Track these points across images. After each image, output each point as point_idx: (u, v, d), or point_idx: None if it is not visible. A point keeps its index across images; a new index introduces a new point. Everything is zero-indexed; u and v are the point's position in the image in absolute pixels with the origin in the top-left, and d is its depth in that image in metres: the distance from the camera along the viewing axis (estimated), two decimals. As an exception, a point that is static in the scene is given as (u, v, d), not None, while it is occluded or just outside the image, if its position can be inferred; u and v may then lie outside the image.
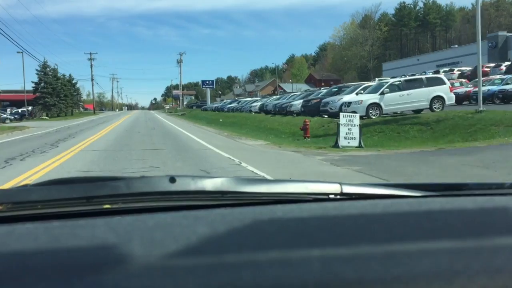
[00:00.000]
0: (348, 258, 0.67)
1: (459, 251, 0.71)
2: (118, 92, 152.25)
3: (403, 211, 0.86)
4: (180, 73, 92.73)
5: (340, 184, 1.00)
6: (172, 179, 0.90)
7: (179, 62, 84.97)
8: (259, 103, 37.30)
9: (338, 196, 0.98)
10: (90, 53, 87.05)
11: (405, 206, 0.89)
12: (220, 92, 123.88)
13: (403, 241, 0.73)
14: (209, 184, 0.92)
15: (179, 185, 0.90)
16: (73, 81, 71.96)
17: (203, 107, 61.44)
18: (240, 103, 46.22)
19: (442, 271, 0.66)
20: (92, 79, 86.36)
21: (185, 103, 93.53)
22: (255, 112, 35.05)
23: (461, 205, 0.91)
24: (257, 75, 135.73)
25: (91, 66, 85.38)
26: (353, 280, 0.64)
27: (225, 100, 67.10)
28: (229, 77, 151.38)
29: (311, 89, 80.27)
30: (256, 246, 0.70)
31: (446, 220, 0.82)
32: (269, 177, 6.96)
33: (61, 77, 65.57)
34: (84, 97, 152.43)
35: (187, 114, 53.24)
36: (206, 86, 74.44)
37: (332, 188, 0.99)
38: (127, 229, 0.76)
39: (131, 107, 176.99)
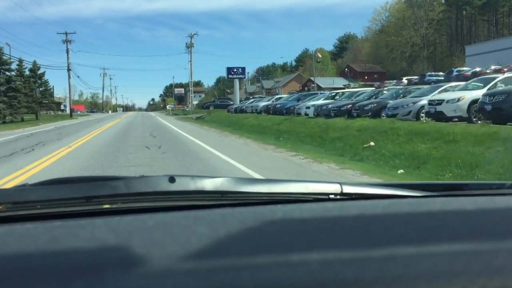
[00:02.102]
0: (348, 258, 0.67)
1: (459, 252, 0.71)
2: (111, 90, 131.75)
3: (403, 211, 0.86)
4: (191, 61, 59.20)
5: (340, 184, 1.00)
6: (172, 179, 0.90)
7: (189, 47, 58.66)
8: (345, 102, 20.65)
9: (338, 196, 0.98)
10: (66, 33, 59.74)
11: (405, 206, 0.89)
12: (228, 91, 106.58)
13: (403, 242, 0.73)
14: (209, 184, 0.92)
15: (178, 185, 0.90)
16: (39, 72, 50.10)
17: (231, 106, 41.20)
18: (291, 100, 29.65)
19: (442, 271, 0.66)
20: (68, 69, 59.73)
21: (194, 102, 75.01)
22: (309, 116, 21.79)
23: (461, 206, 0.91)
24: (263, 72, 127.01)
25: (67, 51, 59.46)
26: (353, 281, 0.63)
27: (265, 97, 44.31)
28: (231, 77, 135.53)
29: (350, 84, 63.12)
30: (256, 246, 0.70)
31: (446, 220, 0.82)
32: None
33: (8, 59, 40.64)
34: (77, 97, 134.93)
35: (208, 119, 32.85)
36: (234, 76, 50.02)
37: (332, 188, 0.99)
38: (127, 229, 0.76)
39: (127, 108, 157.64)
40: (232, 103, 51.11)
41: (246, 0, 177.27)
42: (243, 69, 52.47)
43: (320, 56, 69.72)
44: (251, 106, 35.04)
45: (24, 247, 0.69)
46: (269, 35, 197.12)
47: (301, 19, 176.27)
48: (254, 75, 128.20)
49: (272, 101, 32.87)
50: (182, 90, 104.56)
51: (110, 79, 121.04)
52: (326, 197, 0.98)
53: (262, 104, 32.93)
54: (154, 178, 0.92)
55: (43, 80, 52.31)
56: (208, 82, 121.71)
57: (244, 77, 53.24)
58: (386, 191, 1.02)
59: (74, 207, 0.88)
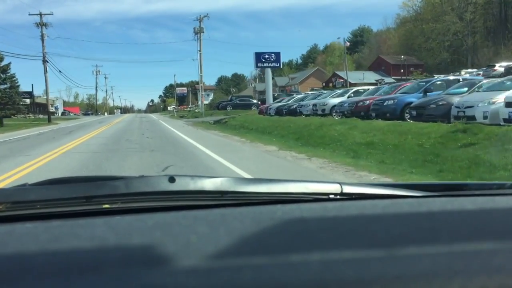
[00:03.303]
0: (348, 258, 0.67)
1: (459, 252, 0.71)
2: (106, 91, 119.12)
3: (403, 211, 0.87)
4: (200, 50, 46.18)
5: (340, 184, 1.00)
6: (172, 179, 0.90)
7: (197, 33, 45.49)
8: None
9: (338, 196, 0.98)
10: (40, 15, 43.77)
11: (405, 206, 0.89)
12: (234, 89, 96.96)
13: (403, 241, 0.72)
14: (209, 184, 0.92)
15: (178, 185, 0.90)
16: (2, 63, 36.19)
17: (267, 106, 29.49)
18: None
19: (442, 271, 0.66)
20: (44, 61, 43.25)
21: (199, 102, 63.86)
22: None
23: (461, 206, 0.91)
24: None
25: (42, 37, 43.46)
26: (353, 280, 0.63)
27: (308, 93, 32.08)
28: (235, 75, 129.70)
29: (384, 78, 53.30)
30: (256, 246, 0.70)
31: (446, 220, 0.83)
32: None
33: None
34: (72, 99, 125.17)
35: (236, 124, 23.07)
36: (265, 65, 36.02)
37: (332, 188, 0.99)
38: (127, 228, 0.76)
39: (125, 110, 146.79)
40: (255, 102, 41.33)
41: (245, 1, 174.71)
42: (277, 55, 36.67)
43: (348, 44, 59.96)
44: (312, 105, 21.86)
45: (24, 246, 0.69)
46: (268, 35, 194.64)
47: (300, 18, 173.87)
48: (259, 73, 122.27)
49: (324, 96, 23.20)
50: (184, 90, 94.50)
51: (105, 78, 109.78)
52: (326, 197, 0.98)
53: (336, 101, 20.01)
54: (154, 178, 0.92)
55: (8, 74, 38.74)
56: (209, 82, 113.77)
57: (279, 66, 37.97)
58: (386, 191, 1.03)
59: (74, 207, 0.88)
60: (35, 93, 67.34)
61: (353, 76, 59.22)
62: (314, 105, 22.01)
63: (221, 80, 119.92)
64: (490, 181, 1.00)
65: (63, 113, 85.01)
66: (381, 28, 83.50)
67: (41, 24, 43.95)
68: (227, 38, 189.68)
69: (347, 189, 0.99)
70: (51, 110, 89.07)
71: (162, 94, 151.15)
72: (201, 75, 48.39)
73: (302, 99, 26.26)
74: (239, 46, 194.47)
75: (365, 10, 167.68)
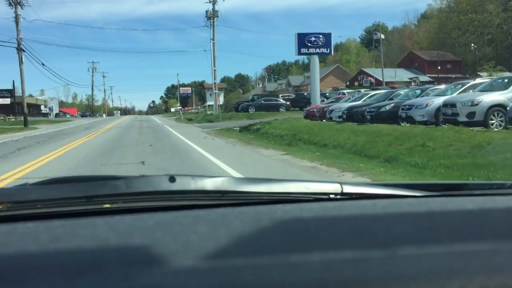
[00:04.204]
0: (348, 258, 0.67)
1: (459, 252, 0.71)
2: (105, 90, 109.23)
3: (403, 211, 0.87)
4: (213, 39, 37.44)
5: (341, 184, 1.00)
6: (172, 179, 0.90)
7: (210, 17, 36.97)
8: None
9: (339, 196, 0.98)
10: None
11: (405, 206, 0.89)
12: (240, 90, 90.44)
13: (403, 241, 0.72)
14: (209, 183, 0.92)
15: (179, 185, 0.90)
16: None
17: (321, 107, 21.33)
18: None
19: (441, 271, 0.66)
20: (19, 48, 32.67)
21: (209, 103, 54.77)
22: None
23: (461, 206, 0.91)
24: (273, 71, 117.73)
25: (16, 18, 33.75)
26: (353, 280, 0.63)
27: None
28: (239, 75, 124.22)
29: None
30: (256, 246, 0.70)
31: (446, 220, 0.82)
32: None
33: None
34: (70, 99, 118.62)
35: (274, 133, 15.83)
36: (310, 50, 26.95)
37: (332, 188, 0.99)
38: (128, 228, 0.76)
39: (126, 111, 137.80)
40: (283, 102, 34.04)
41: (246, 2, 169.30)
42: (327, 37, 27.36)
43: (383, 37, 52.52)
44: (447, 107, 12.46)
45: (25, 246, 0.69)
46: (270, 35, 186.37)
47: (301, 19, 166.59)
48: (263, 74, 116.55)
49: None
50: (188, 90, 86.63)
51: (104, 76, 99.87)
52: (326, 196, 0.98)
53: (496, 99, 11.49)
54: (154, 177, 0.92)
55: None
56: (211, 82, 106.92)
57: (329, 52, 27.52)
58: (386, 191, 1.02)
59: (75, 207, 0.89)
60: (28, 92, 60.32)
61: (381, 73, 52.31)
62: (451, 105, 12.42)
63: (223, 80, 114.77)
64: (490, 181, 0.94)
65: (56, 115, 77.94)
66: (404, 23, 77.37)
67: (15, 3, 34.11)
68: (229, 39, 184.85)
69: (347, 189, 0.99)
70: (44, 111, 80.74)
71: (164, 95, 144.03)
72: (214, 69, 37.19)
73: (392, 97, 17.65)
74: (241, 46, 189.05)
75: (367, 11, 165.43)
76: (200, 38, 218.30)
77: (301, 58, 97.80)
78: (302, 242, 0.71)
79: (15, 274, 0.61)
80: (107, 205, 0.89)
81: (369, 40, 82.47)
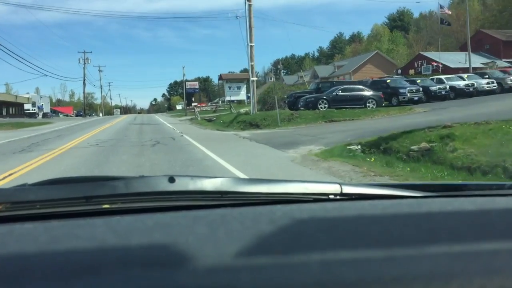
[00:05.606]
0: (348, 259, 0.67)
1: (458, 252, 0.71)
2: (101, 86, 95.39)
3: (402, 212, 0.87)
4: (250, 23, 23.23)
5: (340, 184, 1.00)
6: (171, 179, 0.90)
7: None
8: None
9: (338, 197, 0.98)
10: None
11: (404, 207, 0.89)
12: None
13: (403, 242, 0.72)
14: (209, 184, 0.92)
15: (178, 185, 0.90)
16: None
17: None
18: None
19: (441, 272, 0.66)
20: None
21: (230, 98, 43.40)
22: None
23: (460, 206, 0.91)
24: (282, 64, 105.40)
25: None
26: (353, 281, 0.63)
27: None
28: (245, 70, 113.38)
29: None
30: (255, 247, 0.70)
31: (445, 220, 0.83)
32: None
33: None
34: (67, 97, 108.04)
35: None
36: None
37: (332, 188, 0.99)
38: (127, 229, 0.76)
39: (126, 110, 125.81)
40: (370, 93, 21.18)
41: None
42: None
43: (450, 12, 41.69)
44: None
45: (23, 247, 0.69)
46: (272, 31, 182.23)
47: (302, 16, 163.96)
48: (271, 68, 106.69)
49: None
50: (195, 84, 74.51)
51: (100, 71, 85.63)
52: (326, 197, 0.98)
53: None
54: (154, 178, 0.92)
55: None
56: (215, 78, 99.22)
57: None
58: (385, 192, 1.03)
59: (74, 207, 0.88)
60: (24, 91, 50.56)
61: (448, 58, 41.66)
62: None
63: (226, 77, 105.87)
64: (490, 182, 0.92)
65: (44, 115, 67.27)
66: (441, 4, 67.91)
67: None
68: (229, 36, 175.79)
69: (347, 190, 0.99)
70: (31, 111, 68.63)
71: (166, 92, 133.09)
72: (251, 45, 23.30)
73: None
74: (239, 45, 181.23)
75: (366, 8, 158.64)
76: (202, 35, 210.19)
77: (311, 51, 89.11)
78: (301, 243, 0.70)
79: (13, 275, 0.61)
80: (106, 206, 0.89)
81: (394, 27, 73.94)
